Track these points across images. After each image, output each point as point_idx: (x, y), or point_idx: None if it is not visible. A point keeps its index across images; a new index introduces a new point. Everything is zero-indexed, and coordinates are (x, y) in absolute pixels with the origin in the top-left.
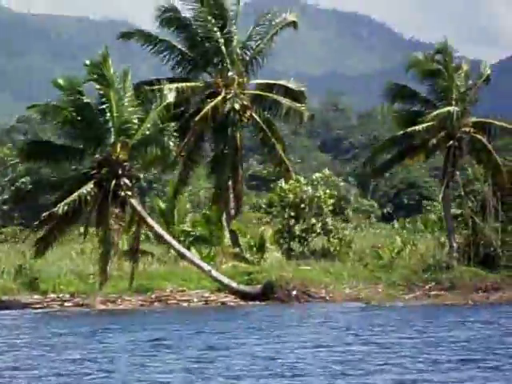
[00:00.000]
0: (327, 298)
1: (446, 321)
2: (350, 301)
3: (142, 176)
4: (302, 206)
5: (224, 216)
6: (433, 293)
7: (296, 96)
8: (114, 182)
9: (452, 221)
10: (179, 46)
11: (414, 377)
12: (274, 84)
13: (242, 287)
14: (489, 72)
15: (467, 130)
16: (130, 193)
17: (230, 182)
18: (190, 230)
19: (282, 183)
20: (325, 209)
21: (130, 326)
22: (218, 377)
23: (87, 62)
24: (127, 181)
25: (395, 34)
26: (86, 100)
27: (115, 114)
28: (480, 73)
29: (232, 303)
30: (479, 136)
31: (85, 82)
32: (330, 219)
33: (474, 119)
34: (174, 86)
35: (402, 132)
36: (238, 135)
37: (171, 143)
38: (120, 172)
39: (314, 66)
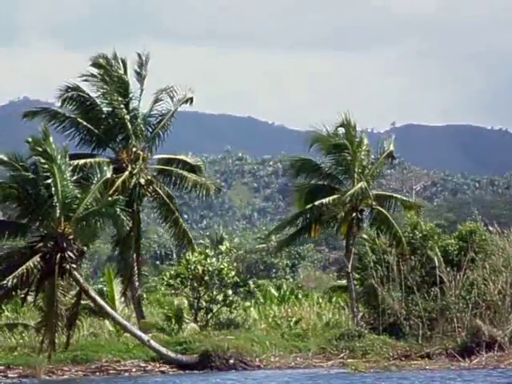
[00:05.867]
0: (261, 366)
1: None
2: (285, 368)
3: (85, 249)
4: (206, 278)
5: (125, 290)
6: (349, 361)
7: (194, 170)
8: (59, 255)
9: (356, 291)
10: (84, 123)
11: None
12: (174, 158)
13: (180, 356)
14: (392, 148)
15: (369, 202)
16: (74, 265)
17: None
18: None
19: (189, 255)
20: (227, 281)
21: None
22: None
23: (29, 139)
24: (71, 254)
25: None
26: (31, 176)
27: (60, 189)
28: (382, 147)
29: (171, 372)
30: (381, 208)
31: (29, 157)
32: (230, 291)
33: (375, 192)
34: (82, 161)
35: (309, 205)
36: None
37: (123, 216)
38: (65, 245)
39: None
